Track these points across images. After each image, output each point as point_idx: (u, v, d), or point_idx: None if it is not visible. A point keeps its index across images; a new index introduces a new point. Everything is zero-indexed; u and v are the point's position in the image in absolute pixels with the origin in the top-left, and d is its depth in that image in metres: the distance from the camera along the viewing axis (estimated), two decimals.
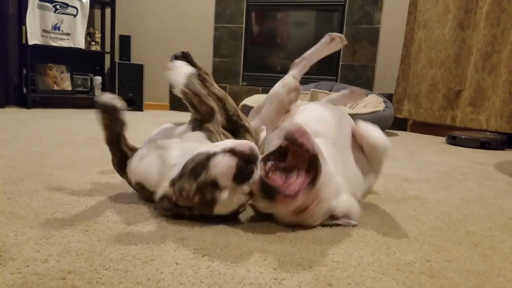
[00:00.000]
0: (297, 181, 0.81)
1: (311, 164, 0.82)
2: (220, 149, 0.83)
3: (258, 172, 0.83)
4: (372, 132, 1.01)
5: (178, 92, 1.00)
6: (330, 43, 1.17)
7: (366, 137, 1.01)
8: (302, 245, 0.80)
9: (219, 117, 1.06)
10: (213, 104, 1.04)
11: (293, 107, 1.09)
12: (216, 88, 1.27)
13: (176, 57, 1.18)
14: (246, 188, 0.82)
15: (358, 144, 1.03)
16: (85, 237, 0.77)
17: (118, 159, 1.01)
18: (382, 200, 1.20)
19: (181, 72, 1.01)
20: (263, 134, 1.33)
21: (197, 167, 0.82)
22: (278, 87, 1.06)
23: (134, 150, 1.02)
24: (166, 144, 0.96)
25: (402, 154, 2.28)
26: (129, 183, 1.01)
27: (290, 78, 1.06)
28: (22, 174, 1.24)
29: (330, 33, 1.16)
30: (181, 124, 1.09)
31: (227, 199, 0.82)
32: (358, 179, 1.00)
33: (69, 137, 2.10)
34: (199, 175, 0.82)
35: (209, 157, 0.82)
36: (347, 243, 0.83)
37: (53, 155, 1.59)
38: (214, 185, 0.81)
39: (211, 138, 0.99)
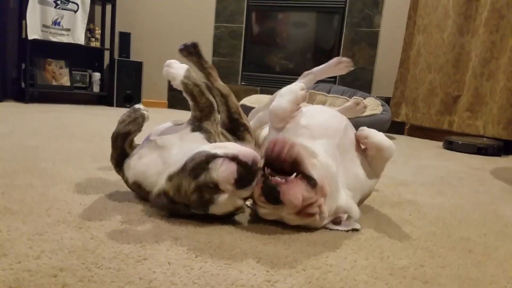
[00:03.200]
0: (297, 179, 0.82)
1: (297, 167, 0.83)
2: (223, 152, 0.83)
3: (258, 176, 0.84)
4: (377, 135, 1.02)
5: (178, 84, 0.99)
6: (336, 66, 1.22)
7: (371, 140, 1.01)
8: (296, 247, 0.80)
9: (218, 116, 1.06)
10: (213, 99, 1.04)
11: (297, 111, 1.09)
12: (220, 84, 1.26)
13: (186, 46, 1.17)
14: (245, 193, 0.84)
15: (360, 150, 1.04)
16: (78, 234, 0.77)
17: (118, 155, 1.01)
18: (377, 203, 1.20)
19: (179, 66, 1.02)
20: (263, 133, 1.33)
21: (198, 167, 0.82)
22: (290, 86, 1.07)
23: (134, 149, 1.02)
24: (166, 145, 0.96)
25: (398, 157, 2.28)
26: (126, 181, 1.01)
27: (299, 85, 1.07)
28: (17, 168, 1.23)
29: (339, 57, 1.23)
30: (182, 123, 1.09)
31: (224, 201, 0.84)
32: (360, 183, 1.00)
33: (65, 132, 2.09)
34: (199, 175, 0.82)
35: (210, 158, 0.82)
36: (341, 246, 0.83)
37: (48, 149, 1.58)
38: (213, 187, 0.82)
39: (209, 139, 0.98)
